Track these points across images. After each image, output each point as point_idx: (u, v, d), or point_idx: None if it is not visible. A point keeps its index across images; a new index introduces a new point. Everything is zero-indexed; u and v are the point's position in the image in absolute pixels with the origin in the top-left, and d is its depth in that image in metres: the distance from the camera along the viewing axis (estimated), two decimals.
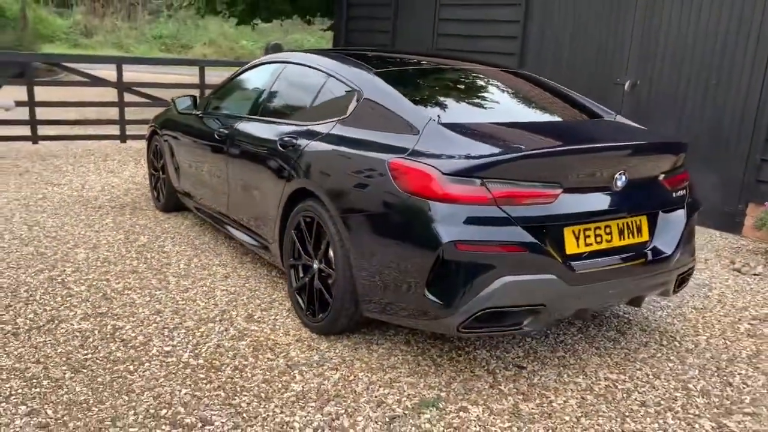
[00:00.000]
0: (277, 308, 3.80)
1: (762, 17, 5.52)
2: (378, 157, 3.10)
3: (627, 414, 2.89)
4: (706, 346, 3.62)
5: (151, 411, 2.73)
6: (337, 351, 3.32)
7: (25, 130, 8.02)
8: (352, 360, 3.24)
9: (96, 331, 3.41)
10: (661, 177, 3.31)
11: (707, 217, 6.04)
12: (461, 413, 2.82)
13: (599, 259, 3.05)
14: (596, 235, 3.07)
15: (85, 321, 3.53)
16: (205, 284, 4.13)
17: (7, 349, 3.20)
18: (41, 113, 8.23)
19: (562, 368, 3.27)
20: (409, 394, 2.95)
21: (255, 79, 4.69)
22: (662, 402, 3.01)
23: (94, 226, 5.26)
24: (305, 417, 2.74)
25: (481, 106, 3.73)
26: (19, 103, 7.76)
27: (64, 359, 3.12)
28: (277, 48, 9.07)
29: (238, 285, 4.14)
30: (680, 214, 3.37)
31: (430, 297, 2.87)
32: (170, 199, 5.64)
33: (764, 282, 4.73)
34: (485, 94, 3.92)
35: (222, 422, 2.67)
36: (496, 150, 2.89)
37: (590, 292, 3.05)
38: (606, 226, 3.10)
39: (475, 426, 2.74)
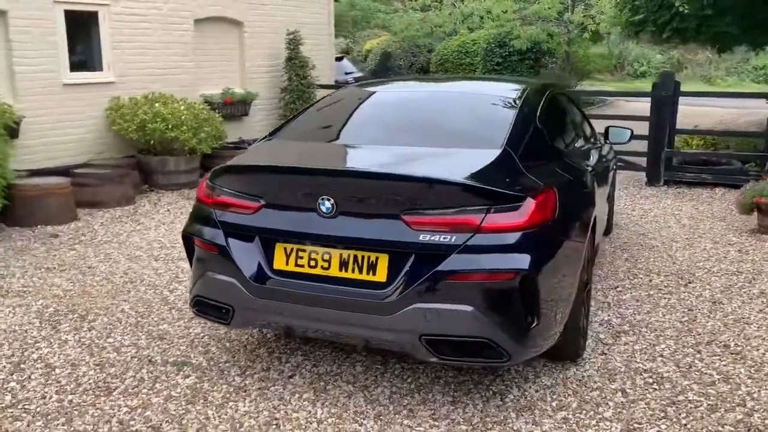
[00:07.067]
0: None
1: None
2: None
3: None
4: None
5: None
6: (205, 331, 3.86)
7: None
8: (200, 342, 3.73)
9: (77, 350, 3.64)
10: (408, 217, 2.79)
11: None
12: (180, 380, 3.31)
13: (305, 282, 2.95)
14: (311, 259, 2.96)
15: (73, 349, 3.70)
16: None
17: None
18: None
19: (326, 406, 3.07)
20: (175, 355, 3.56)
21: None
22: None
23: None
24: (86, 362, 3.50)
25: (343, 127, 3.82)
26: None
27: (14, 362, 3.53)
28: (666, 75, 8.32)
29: None
30: (432, 264, 2.73)
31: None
32: None
33: None
34: (377, 118, 3.89)
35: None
36: (230, 162, 3.33)
37: (284, 311, 2.99)
38: (325, 253, 2.92)
39: (186, 390, 3.22)
